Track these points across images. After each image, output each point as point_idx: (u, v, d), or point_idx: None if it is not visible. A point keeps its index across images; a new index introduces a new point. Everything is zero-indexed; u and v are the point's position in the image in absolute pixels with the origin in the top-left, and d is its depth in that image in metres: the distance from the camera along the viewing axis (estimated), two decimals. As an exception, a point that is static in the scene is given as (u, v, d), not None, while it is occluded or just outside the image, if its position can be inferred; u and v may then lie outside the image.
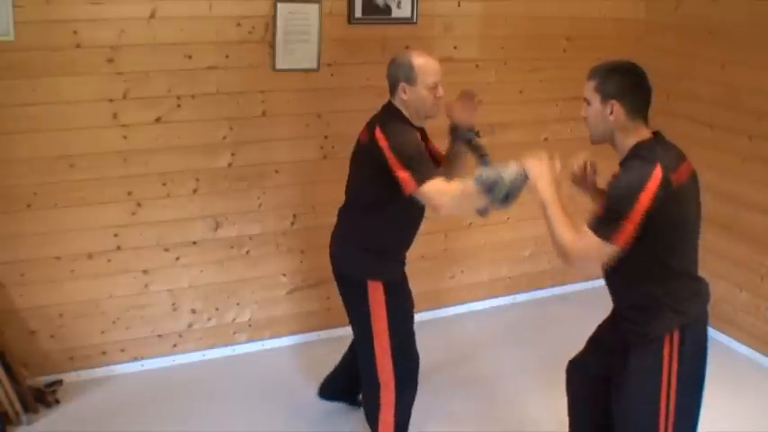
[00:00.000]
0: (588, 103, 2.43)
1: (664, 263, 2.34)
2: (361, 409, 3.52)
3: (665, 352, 2.34)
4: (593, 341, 2.73)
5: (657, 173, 2.22)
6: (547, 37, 4.32)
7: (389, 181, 2.71)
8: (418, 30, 3.95)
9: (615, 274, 2.44)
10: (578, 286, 4.82)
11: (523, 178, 2.44)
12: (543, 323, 4.49)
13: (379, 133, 2.77)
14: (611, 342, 2.57)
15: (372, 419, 3.07)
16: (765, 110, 3.89)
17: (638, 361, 2.40)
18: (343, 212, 3.07)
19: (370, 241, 2.93)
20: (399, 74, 2.82)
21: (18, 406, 3.29)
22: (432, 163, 2.80)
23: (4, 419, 3.26)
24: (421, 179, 2.66)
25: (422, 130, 2.95)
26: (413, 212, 2.93)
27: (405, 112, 2.86)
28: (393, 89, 2.87)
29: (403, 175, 2.67)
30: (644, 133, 2.37)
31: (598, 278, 4.90)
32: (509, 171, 2.45)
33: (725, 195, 4.05)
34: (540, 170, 2.40)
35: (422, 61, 2.83)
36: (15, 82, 3.24)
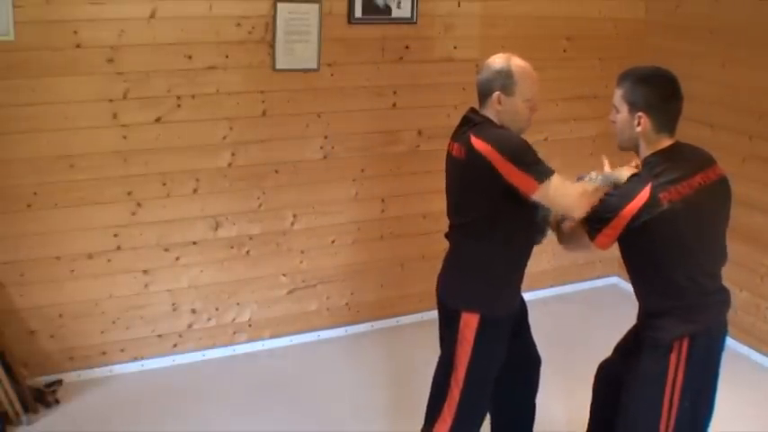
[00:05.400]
0: (617, 111, 2.40)
1: (668, 277, 2.35)
2: (362, 410, 3.53)
3: (672, 358, 2.33)
4: (619, 344, 2.75)
5: (644, 194, 2.25)
6: (547, 37, 4.32)
7: (496, 195, 2.43)
8: (418, 30, 3.95)
9: (634, 283, 2.48)
10: (578, 286, 4.82)
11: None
12: (543, 323, 4.46)
13: (479, 142, 2.43)
14: (630, 345, 2.60)
15: None
16: (765, 110, 3.89)
17: (646, 364, 2.40)
18: (449, 236, 2.74)
19: (474, 266, 2.61)
20: (496, 82, 2.51)
21: (18, 406, 3.29)
22: (545, 161, 2.46)
23: (4, 419, 3.26)
24: (542, 177, 2.37)
25: None
26: (523, 231, 2.59)
27: (496, 123, 2.55)
28: (485, 97, 2.56)
29: (520, 177, 2.37)
30: (663, 144, 2.35)
31: (598, 278, 4.94)
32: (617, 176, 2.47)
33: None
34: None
35: (522, 70, 2.53)
36: (15, 82, 3.24)
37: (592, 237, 2.36)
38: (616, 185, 2.40)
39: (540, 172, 2.39)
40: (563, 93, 4.42)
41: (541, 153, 2.48)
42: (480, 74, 2.59)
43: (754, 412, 3.62)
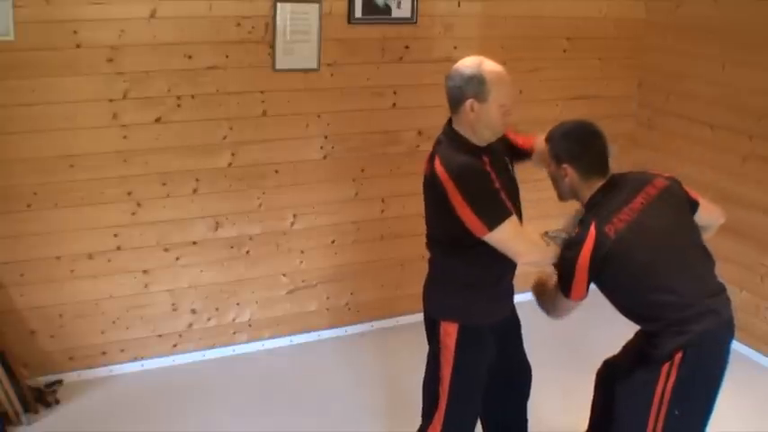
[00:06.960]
0: (549, 165, 2.56)
1: (642, 301, 2.41)
2: (361, 410, 3.53)
3: (664, 368, 2.35)
4: (627, 344, 2.76)
5: (591, 235, 2.36)
6: (547, 37, 4.32)
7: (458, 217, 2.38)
8: (418, 30, 3.96)
9: (621, 313, 2.56)
10: (578, 286, 4.81)
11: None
12: (541, 324, 4.46)
13: (439, 167, 2.37)
14: (635, 347, 2.63)
15: None
16: (765, 110, 3.89)
17: (640, 371, 2.43)
18: (427, 246, 2.66)
19: (450, 277, 2.57)
20: (467, 89, 2.38)
21: (18, 406, 3.29)
22: (503, 200, 2.38)
23: (4, 419, 3.26)
24: (492, 222, 2.32)
25: (487, 149, 2.49)
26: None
27: (467, 133, 2.44)
28: (457, 105, 2.42)
29: (471, 218, 2.33)
30: (597, 185, 2.49)
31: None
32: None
33: (725, 195, 4.04)
34: None
35: (495, 75, 2.38)
36: (15, 82, 3.24)
37: (566, 295, 2.48)
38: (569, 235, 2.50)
39: (493, 217, 2.34)
40: (563, 93, 4.42)
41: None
42: (450, 81, 2.43)
43: (754, 412, 3.62)
